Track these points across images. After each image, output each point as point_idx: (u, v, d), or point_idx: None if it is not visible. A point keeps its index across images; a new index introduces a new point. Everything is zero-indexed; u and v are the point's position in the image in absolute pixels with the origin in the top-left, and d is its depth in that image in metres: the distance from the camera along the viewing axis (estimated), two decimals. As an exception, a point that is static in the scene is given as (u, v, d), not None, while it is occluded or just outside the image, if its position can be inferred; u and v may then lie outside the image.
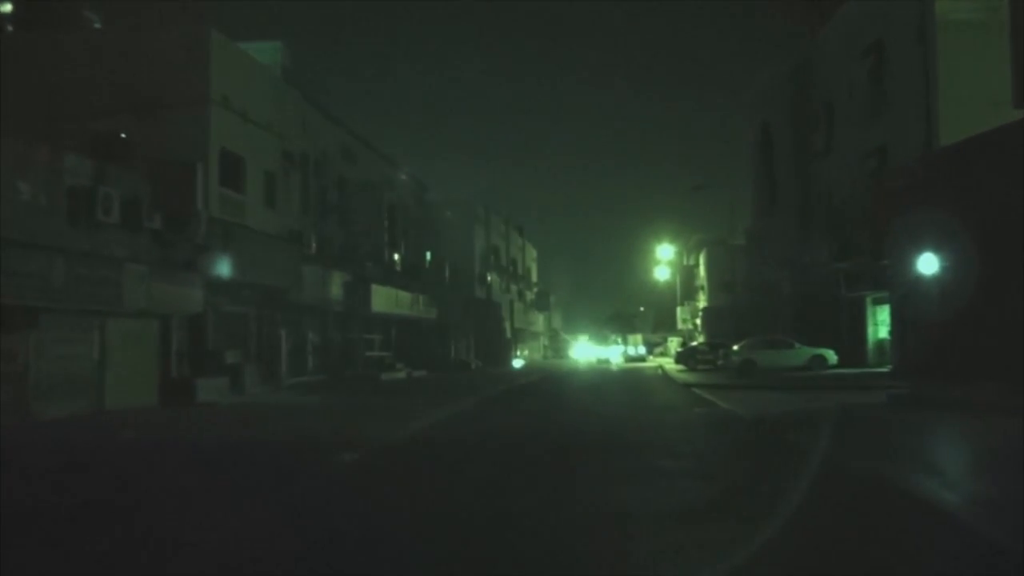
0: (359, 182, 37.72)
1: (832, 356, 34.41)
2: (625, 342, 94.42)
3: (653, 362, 66.44)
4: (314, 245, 32.18)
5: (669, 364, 51.52)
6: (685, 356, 46.24)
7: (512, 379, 36.65)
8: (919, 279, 22.45)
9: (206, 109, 25.33)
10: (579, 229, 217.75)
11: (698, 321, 77.55)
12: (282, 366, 30.05)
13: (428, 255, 49.21)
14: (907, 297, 25.44)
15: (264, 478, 10.12)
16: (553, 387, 31.74)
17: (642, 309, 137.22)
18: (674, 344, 76.23)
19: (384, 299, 38.89)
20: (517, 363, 64.14)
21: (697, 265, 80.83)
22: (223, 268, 24.56)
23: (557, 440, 13.84)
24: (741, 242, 52.31)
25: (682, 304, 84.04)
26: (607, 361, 71.85)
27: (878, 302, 34.59)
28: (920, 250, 22.12)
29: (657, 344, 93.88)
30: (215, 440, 14.56)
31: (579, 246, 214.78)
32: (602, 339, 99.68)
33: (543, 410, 20.29)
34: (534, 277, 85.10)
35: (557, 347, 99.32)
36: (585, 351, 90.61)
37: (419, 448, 13.05)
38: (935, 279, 21.90)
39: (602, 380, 37.24)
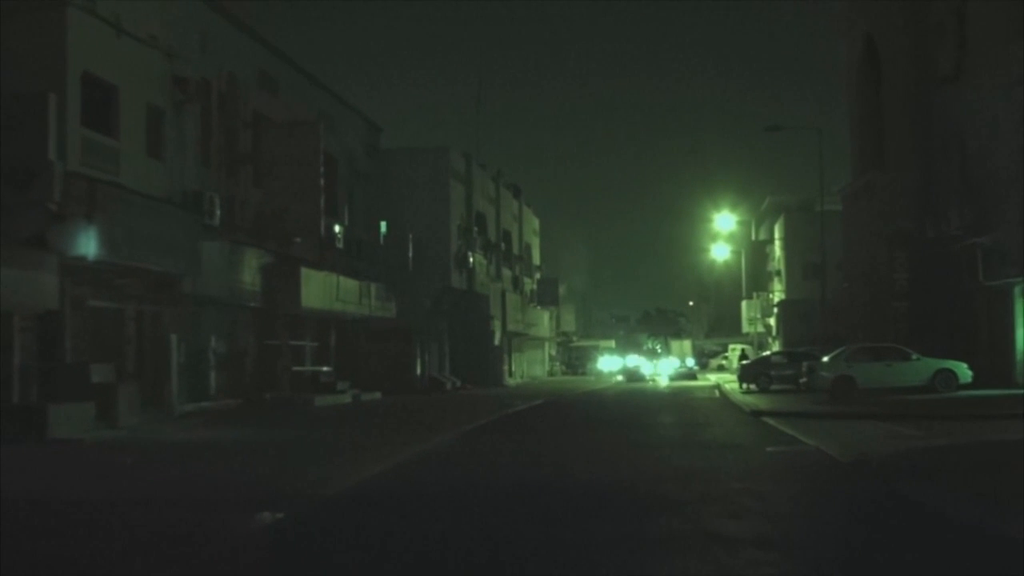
0: (284, 122, 37.50)
1: (965, 372, 34.38)
2: (667, 351, 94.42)
3: (708, 379, 66.42)
4: (219, 212, 32.02)
5: (730, 382, 51.51)
6: (753, 370, 46.24)
7: (504, 404, 36.56)
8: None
9: (61, 15, 25.10)
10: (601, 193, 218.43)
11: (772, 321, 77.68)
12: (173, 386, 29.91)
13: (383, 226, 49.03)
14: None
15: (143, 552, 9.96)
16: (562, 416, 31.55)
17: (692, 304, 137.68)
18: (736, 353, 76.39)
19: (320, 289, 38.74)
20: (512, 381, 64.07)
21: (771, 241, 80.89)
22: (87, 245, 24.34)
23: (566, 492, 13.75)
24: (834, 207, 52.23)
25: (749, 297, 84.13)
26: (641, 376, 71.95)
27: (1031, 293, 34.58)
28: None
29: (713, 353, 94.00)
30: (69, 495, 14.36)
31: (601, 216, 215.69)
32: (633, 347, 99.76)
33: (547, 450, 20.17)
34: (536, 258, 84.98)
35: (570, 358, 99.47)
36: (610, 364, 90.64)
37: (367, 507, 12.91)
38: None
39: (632, 406, 37.06)
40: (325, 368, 41.65)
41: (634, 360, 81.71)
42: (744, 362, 50.05)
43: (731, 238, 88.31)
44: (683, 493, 13.36)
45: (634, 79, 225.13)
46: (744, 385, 45.00)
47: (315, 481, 14.94)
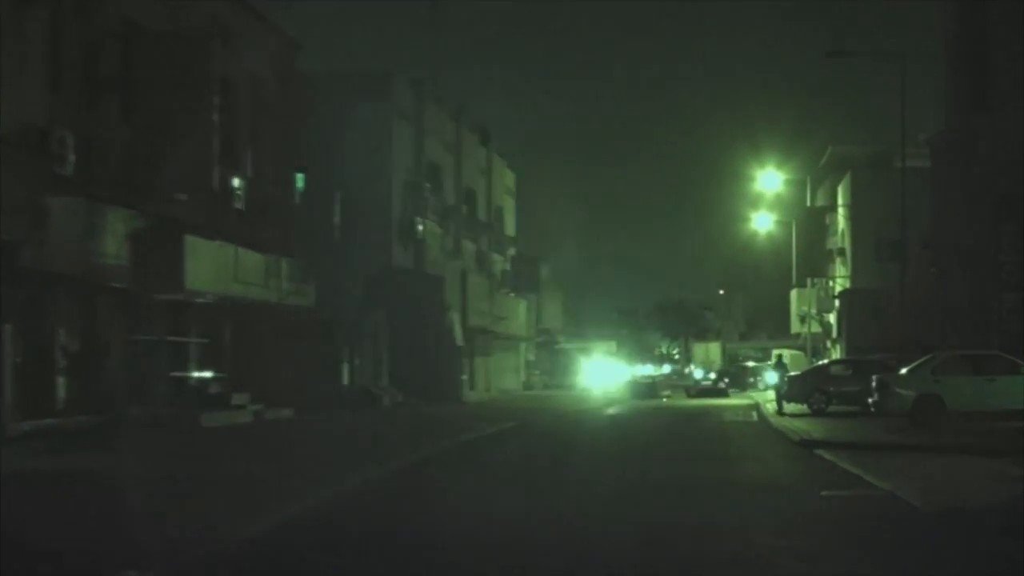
0: (163, 33, 37.23)
1: (1097, 391, 34.52)
2: (686, 357, 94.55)
3: (740, 398, 66.59)
4: (73, 157, 31.81)
5: (771, 402, 51.58)
6: (804, 385, 46.25)
7: (459, 428, 36.54)
8: None
9: None
10: (602, 141, 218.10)
11: (831, 318, 77.80)
12: (5, 396, 29.76)
13: (300, 180, 48.78)
14: None
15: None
16: (536, 446, 31.54)
17: (722, 293, 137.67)
18: (789, 361, 76.42)
19: (211, 265, 38.56)
20: (474, 395, 64.03)
21: (833, 208, 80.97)
22: None
23: (547, 539, 13.96)
24: (920, 163, 52.33)
25: (801, 284, 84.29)
26: (652, 388, 72.14)
27: None
28: None
29: (747, 361, 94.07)
30: None
31: (601, 173, 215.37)
32: (642, 351, 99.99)
33: (515, 497, 20.15)
34: (510, 228, 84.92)
35: (554, 365, 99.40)
36: (605, 374, 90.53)
37: (263, 569, 12.98)
38: None
39: (636, 432, 37.12)
40: (216, 374, 41.46)
41: (643, 370, 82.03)
42: (791, 374, 49.51)
43: (778, 203, 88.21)
44: (708, 553, 13.39)
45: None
46: (782, 405, 44.96)
47: (196, 533, 14.99)
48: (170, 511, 17.44)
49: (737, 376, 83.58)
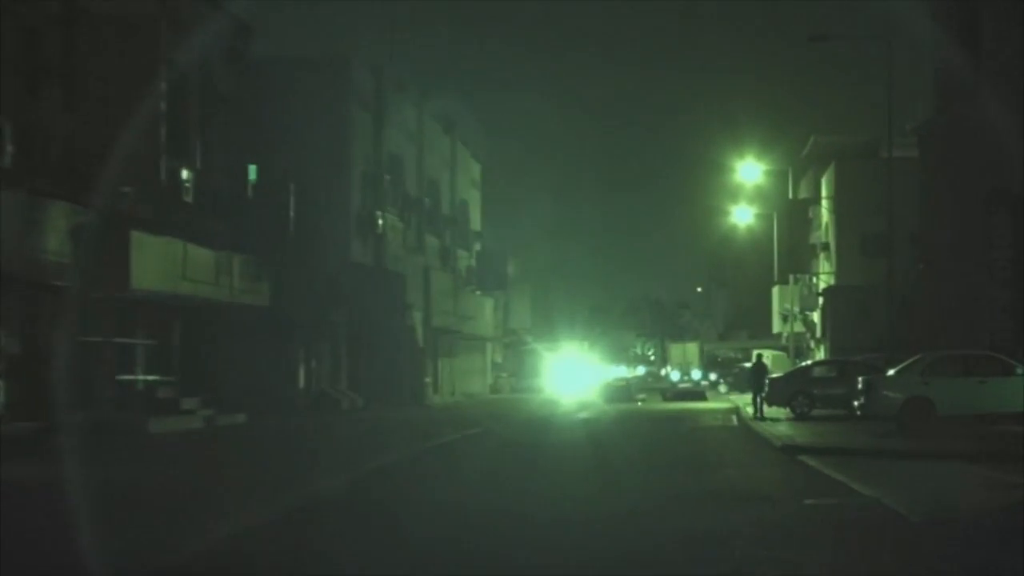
0: (108, 18, 37.08)
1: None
2: (661, 358, 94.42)
3: (719, 401, 66.61)
4: (11, 147, 31.66)
5: (749, 405, 51.60)
6: (787, 388, 46.22)
7: (419, 434, 36.44)
8: None
9: None
10: (573, 130, 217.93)
11: (815, 316, 77.89)
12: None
13: (253, 171, 48.63)
14: None
15: None
16: (503, 453, 31.55)
17: (700, 291, 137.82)
18: (770, 362, 76.43)
19: (159, 262, 38.42)
20: (438, 399, 63.95)
21: (816, 200, 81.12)
22: None
23: (518, 546, 13.95)
24: (908, 153, 52.43)
25: (783, 281, 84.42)
26: (627, 391, 72.10)
27: None
28: None
29: (730, 363, 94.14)
30: None
31: (572, 165, 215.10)
32: (616, 352, 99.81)
33: (479, 509, 20.09)
34: (476, 222, 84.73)
35: (522, 367, 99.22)
36: (576, 375, 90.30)
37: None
38: None
39: (611, 436, 37.07)
40: (165, 378, 41.28)
41: (617, 372, 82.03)
42: (774, 375, 49.29)
43: (758, 195, 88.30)
44: (688, 564, 13.40)
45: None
46: (761, 409, 44.66)
47: (148, 548, 15.06)
48: (100, 526, 17.31)
49: (740, 377, 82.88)
